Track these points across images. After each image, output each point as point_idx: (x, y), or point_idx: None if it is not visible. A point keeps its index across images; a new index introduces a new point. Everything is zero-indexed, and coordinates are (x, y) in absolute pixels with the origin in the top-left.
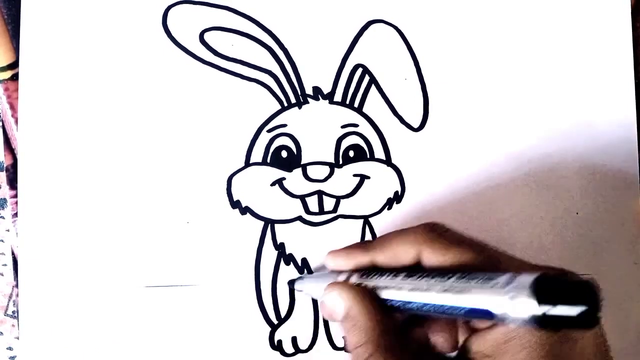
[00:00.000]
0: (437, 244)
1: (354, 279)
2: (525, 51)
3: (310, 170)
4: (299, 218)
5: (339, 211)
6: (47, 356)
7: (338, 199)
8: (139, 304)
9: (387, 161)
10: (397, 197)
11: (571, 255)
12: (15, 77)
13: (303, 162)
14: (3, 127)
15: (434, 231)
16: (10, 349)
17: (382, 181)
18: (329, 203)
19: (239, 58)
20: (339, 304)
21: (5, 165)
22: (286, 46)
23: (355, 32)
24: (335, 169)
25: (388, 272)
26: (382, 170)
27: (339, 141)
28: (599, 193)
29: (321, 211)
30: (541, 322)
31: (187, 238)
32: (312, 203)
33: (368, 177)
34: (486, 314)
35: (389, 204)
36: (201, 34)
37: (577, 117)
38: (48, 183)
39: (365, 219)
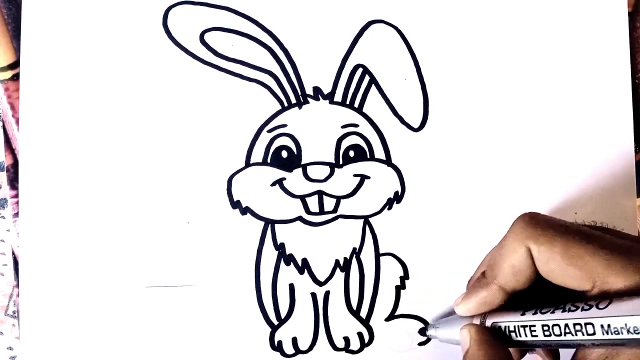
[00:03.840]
0: (542, 237)
1: (488, 323)
2: (524, 52)
3: (311, 170)
4: (299, 218)
5: (339, 211)
6: (47, 356)
7: (338, 199)
8: (140, 304)
9: (387, 161)
10: (397, 197)
11: None
12: (15, 77)
13: (303, 162)
14: (4, 127)
15: (533, 223)
16: (10, 348)
17: (382, 181)
18: (329, 203)
19: (239, 58)
20: (463, 343)
21: (5, 166)
22: (286, 46)
23: (355, 32)
24: (336, 169)
25: (536, 307)
26: (382, 170)
27: (339, 141)
28: (597, 193)
29: (321, 211)
30: None
31: (187, 238)
32: (313, 203)
33: (368, 177)
34: (633, 341)
35: (389, 204)
36: (201, 34)
37: (575, 118)
38: (49, 183)
39: (366, 219)
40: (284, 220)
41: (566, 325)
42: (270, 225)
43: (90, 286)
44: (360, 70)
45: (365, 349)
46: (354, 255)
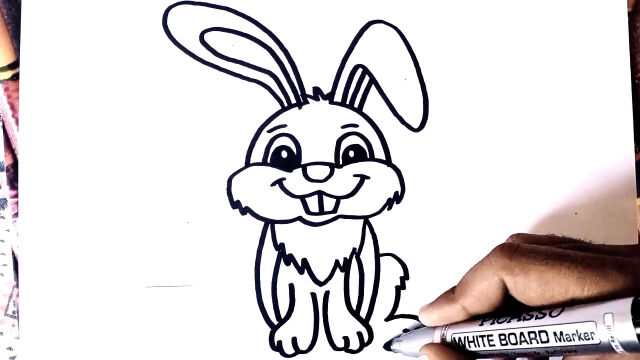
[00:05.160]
0: (516, 268)
1: (449, 334)
2: (524, 52)
3: (311, 170)
4: (299, 218)
5: (339, 211)
6: (47, 356)
7: (338, 199)
8: (140, 304)
9: (387, 161)
10: (397, 197)
11: None
12: (15, 77)
13: (303, 162)
14: (3, 127)
15: (507, 255)
16: (10, 349)
17: (382, 181)
18: (329, 203)
19: (239, 58)
20: None
21: (5, 166)
22: (286, 46)
23: (355, 33)
24: (336, 169)
25: (493, 317)
26: (382, 171)
27: (339, 141)
28: (597, 193)
29: (321, 211)
30: None
31: (187, 238)
32: (312, 203)
33: (368, 177)
34: (586, 348)
35: (389, 204)
36: (201, 35)
37: (575, 118)
38: (48, 183)
39: (365, 219)
40: (284, 220)
41: (521, 333)
42: (270, 225)
43: (90, 286)
44: (360, 70)
45: (365, 348)
46: (354, 256)
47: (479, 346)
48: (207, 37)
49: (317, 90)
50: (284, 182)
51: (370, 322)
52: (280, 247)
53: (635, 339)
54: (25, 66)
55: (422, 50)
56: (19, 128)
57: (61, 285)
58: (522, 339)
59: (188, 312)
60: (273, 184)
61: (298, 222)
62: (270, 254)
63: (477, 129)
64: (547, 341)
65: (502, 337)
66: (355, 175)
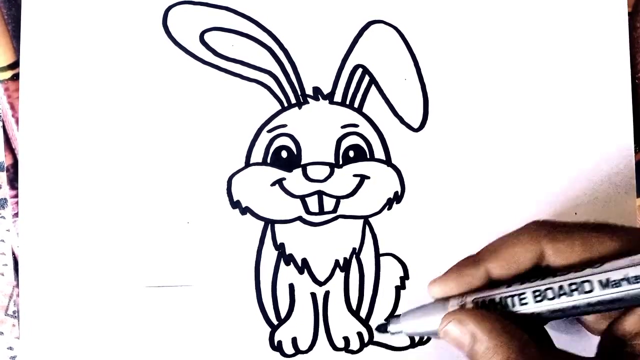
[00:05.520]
0: (561, 236)
1: (469, 302)
2: (524, 52)
3: (310, 170)
4: (299, 218)
5: (339, 211)
6: (47, 356)
7: (338, 199)
8: (140, 304)
9: (387, 161)
10: (397, 197)
11: None
12: (15, 77)
13: (303, 162)
14: (3, 127)
15: (546, 225)
16: (10, 348)
17: (382, 181)
18: (329, 203)
19: (239, 58)
20: (463, 333)
21: (5, 165)
22: (286, 46)
23: (355, 33)
24: (335, 169)
25: (503, 284)
26: (382, 171)
27: (339, 141)
28: (597, 193)
29: (321, 211)
30: None
31: (187, 238)
32: (312, 203)
33: (368, 177)
34: (635, 298)
35: (389, 204)
36: (201, 34)
37: (575, 118)
38: (49, 183)
39: (365, 219)
40: (284, 220)
41: (560, 287)
42: (270, 225)
43: (90, 286)
44: (360, 70)
45: (365, 348)
46: (354, 255)
47: (506, 308)
48: (207, 37)
49: (317, 90)
50: (284, 182)
51: (371, 322)
52: (280, 247)
53: None
54: (25, 66)
55: (422, 50)
56: (19, 128)
57: (61, 285)
58: (562, 291)
59: (188, 312)
60: (273, 184)
61: (298, 222)
62: (270, 254)
63: (477, 129)
64: (592, 290)
65: (537, 293)
66: (355, 175)
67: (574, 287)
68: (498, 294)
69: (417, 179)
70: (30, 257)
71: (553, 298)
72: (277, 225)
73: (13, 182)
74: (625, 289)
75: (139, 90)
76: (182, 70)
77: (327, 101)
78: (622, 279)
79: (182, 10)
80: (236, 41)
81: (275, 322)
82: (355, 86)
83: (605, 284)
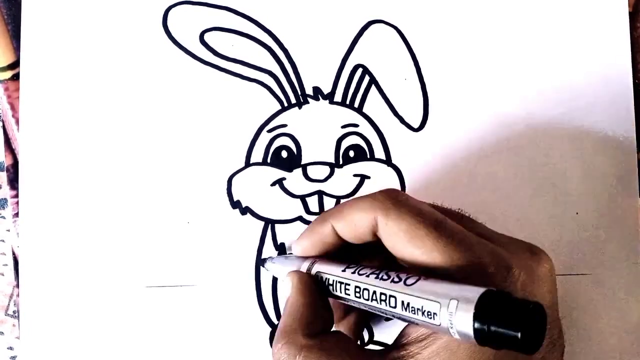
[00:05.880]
0: (393, 212)
1: (314, 269)
2: (524, 52)
3: (311, 170)
4: (299, 218)
5: None
6: (47, 356)
7: (338, 199)
8: (140, 304)
9: (387, 161)
10: None
11: (571, 255)
12: (15, 77)
13: (303, 162)
14: (3, 127)
15: (391, 198)
16: (10, 348)
17: (382, 181)
18: (329, 203)
19: (239, 58)
20: (286, 288)
21: (5, 166)
22: (286, 46)
23: (355, 32)
24: (336, 169)
25: (358, 266)
26: (382, 170)
27: (339, 141)
28: (598, 193)
29: (321, 211)
30: (479, 339)
31: (187, 238)
32: (313, 203)
33: (368, 177)
34: (427, 325)
35: None
36: (201, 34)
37: (577, 119)
38: (49, 183)
39: None
40: (284, 220)
41: (374, 292)
42: (270, 225)
43: (90, 286)
44: (360, 70)
45: (365, 348)
46: None
47: (336, 291)
48: (207, 37)
49: (317, 90)
50: (284, 182)
51: (370, 322)
52: (280, 247)
53: (471, 332)
54: (25, 66)
55: (422, 50)
56: (19, 128)
57: (61, 285)
58: (374, 297)
59: (188, 312)
60: (273, 184)
61: (298, 222)
62: (270, 254)
63: (477, 129)
64: (395, 307)
65: (357, 289)
66: (355, 175)
67: (383, 297)
68: (334, 276)
69: (417, 179)
70: (30, 257)
71: (367, 299)
72: (277, 225)
73: (13, 182)
74: (420, 318)
75: (139, 91)
76: (182, 70)
77: (327, 101)
78: (419, 309)
79: (182, 10)
80: (236, 41)
81: (276, 322)
82: (356, 86)
83: (405, 307)
